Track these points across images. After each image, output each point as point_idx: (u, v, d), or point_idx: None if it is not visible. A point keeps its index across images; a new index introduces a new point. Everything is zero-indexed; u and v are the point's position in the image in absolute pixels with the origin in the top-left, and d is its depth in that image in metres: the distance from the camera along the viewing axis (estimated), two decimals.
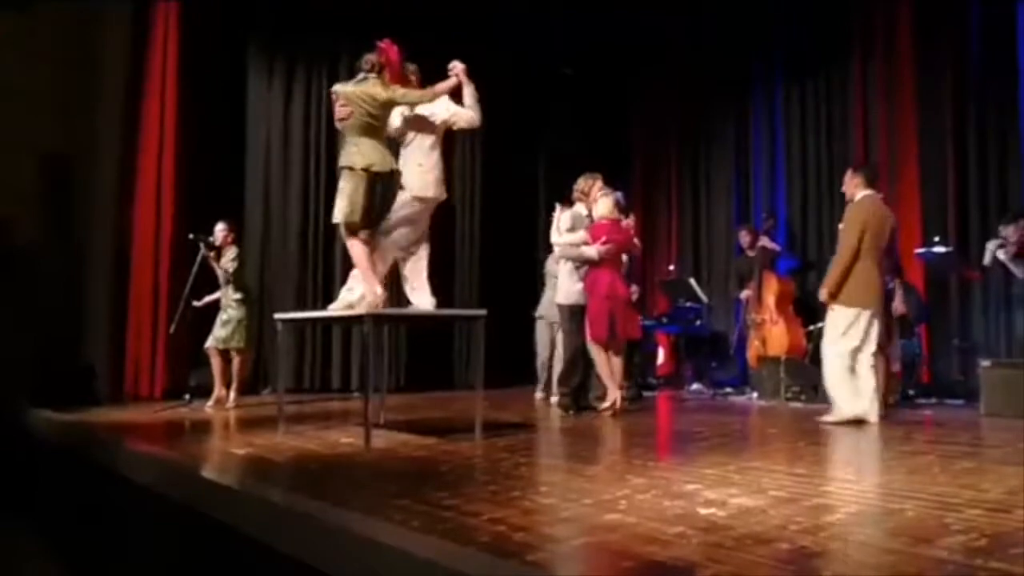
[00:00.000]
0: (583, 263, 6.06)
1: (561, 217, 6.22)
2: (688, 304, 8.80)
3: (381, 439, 4.63)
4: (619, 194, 6.42)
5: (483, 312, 4.78)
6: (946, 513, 2.71)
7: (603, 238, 5.89)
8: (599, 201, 6.11)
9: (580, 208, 6.33)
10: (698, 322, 8.95)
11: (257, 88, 8.55)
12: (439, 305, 5.10)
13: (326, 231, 8.72)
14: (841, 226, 5.67)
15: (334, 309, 4.85)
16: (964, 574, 2.02)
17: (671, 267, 9.82)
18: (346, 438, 4.76)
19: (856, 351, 5.45)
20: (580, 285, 6.08)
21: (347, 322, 6.01)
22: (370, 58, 4.72)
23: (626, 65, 10.30)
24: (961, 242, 7.32)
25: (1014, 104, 7.04)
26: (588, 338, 5.97)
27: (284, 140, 8.64)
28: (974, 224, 7.36)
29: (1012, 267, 6.36)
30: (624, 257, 6.35)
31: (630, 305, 6.16)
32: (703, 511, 2.72)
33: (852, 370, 5.46)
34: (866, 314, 5.47)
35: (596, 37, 9.58)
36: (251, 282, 7.46)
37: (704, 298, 8.71)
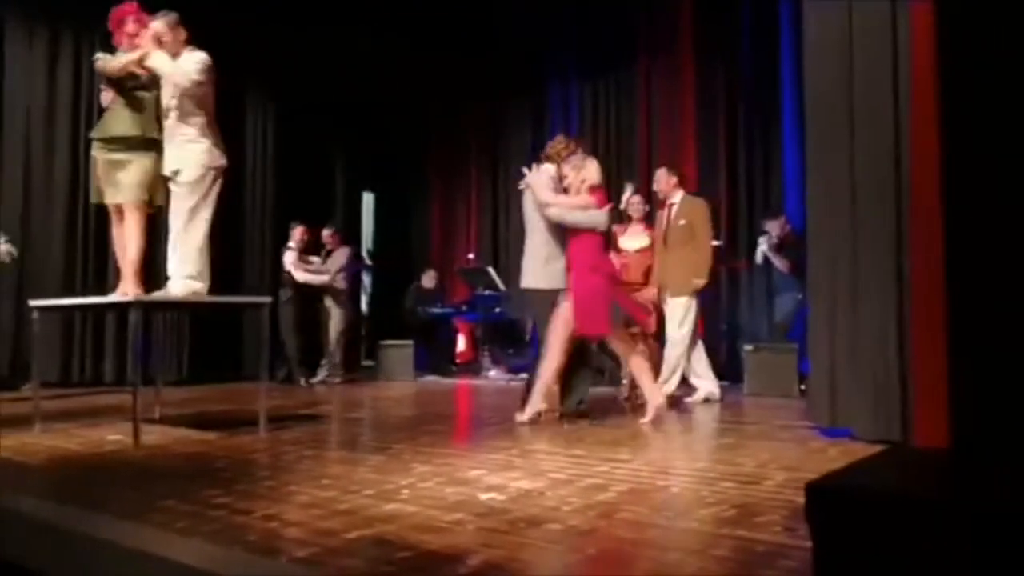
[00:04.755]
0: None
1: (542, 169, 5.04)
2: (487, 292, 8.95)
3: (155, 435, 4.32)
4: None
5: (268, 299, 4.60)
6: (704, 487, 2.93)
7: (609, 205, 5.00)
8: (588, 165, 4.93)
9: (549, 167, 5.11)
10: (496, 309, 9.12)
11: (16, 56, 7.68)
12: (226, 291, 4.82)
13: (98, 212, 7.99)
14: (683, 221, 6.02)
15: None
16: (710, 544, 2.18)
17: (471, 256, 9.95)
18: (114, 435, 4.39)
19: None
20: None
21: (116, 309, 5.54)
22: None
23: (426, 68, 10.15)
24: (731, 236, 7.98)
25: (777, 112, 7.74)
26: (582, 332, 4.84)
27: (48, 112, 7.82)
28: (742, 220, 8.07)
29: (772, 258, 7.00)
30: None
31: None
32: (483, 496, 2.76)
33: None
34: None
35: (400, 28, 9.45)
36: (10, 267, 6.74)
37: (502, 286, 8.89)
